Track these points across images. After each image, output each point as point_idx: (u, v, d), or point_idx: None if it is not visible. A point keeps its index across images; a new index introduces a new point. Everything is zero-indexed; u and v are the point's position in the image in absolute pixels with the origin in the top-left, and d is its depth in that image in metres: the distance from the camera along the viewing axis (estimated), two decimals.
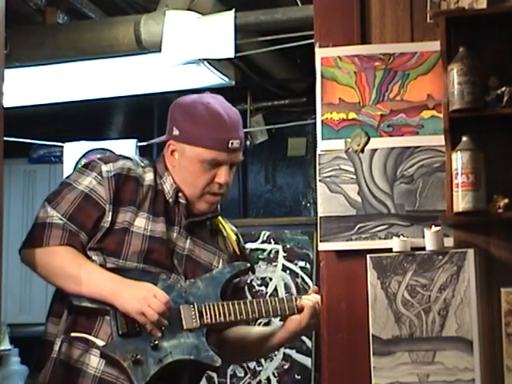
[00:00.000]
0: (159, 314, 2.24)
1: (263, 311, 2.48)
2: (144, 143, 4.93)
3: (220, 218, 2.57)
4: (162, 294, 2.27)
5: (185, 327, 2.28)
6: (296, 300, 2.59)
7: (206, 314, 2.32)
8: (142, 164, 2.48)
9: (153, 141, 2.55)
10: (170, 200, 2.43)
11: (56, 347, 2.28)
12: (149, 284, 2.29)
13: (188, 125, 2.40)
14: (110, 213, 2.38)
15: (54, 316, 2.41)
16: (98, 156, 2.57)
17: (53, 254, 2.39)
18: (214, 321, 2.33)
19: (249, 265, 2.50)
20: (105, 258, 2.35)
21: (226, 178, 2.38)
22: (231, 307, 2.39)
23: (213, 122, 2.38)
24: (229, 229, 2.60)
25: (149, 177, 2.45)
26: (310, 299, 2.60)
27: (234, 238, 2.61)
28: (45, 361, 2.32)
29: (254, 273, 2.69)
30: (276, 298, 2.58)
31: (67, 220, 2.38)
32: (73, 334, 2.29)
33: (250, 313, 2.44)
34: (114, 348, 2.19)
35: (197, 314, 2.31)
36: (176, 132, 2.42)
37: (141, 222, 2.39)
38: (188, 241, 2.45)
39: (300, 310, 2.57)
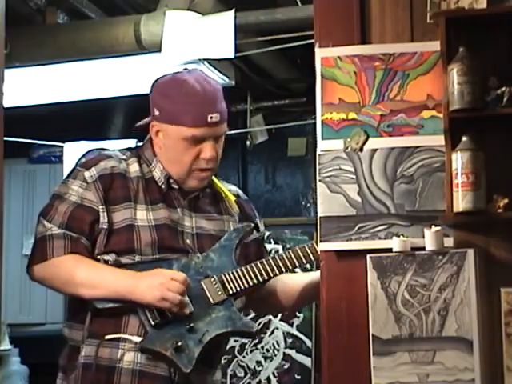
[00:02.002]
0: (180, 294, 2.23)
1: (281, 266, 2.49)
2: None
3: (216, 181, 2.53)
4: (177, 274, 2.27)
5: (212, 302, 2.27)
6: (311, 246, 2.58)
7: (229, 284, 2.33)
8: (124, 157, 2.47)
9: (139, 123, 2.50)
10: (163, 186, 2.42)
11: (83, 352, 2.26)
12: (161, 269, 2.28)
13: (166, 104, 2.39)
14: (105, 213, 2.37)
15: (75, 322, 2.36)
16: (81, 161, 2.56)
17: (59, 264, 2.37)
18: (238, 288, 2.33)
19: (252, 224, 2.49)
20: (117, 255, 2.34)
21: (211, 153, 2.34)
22: (250, 270, 2.39)
23: (189, 98, 2.35)
24: (226, 190, 2.56)
25: (134, 168, 2.43)
26: None
27: (232, 198, 2.57)
28: (73, 367, 2.28)
29: (258, 230, 2.64)
30: (290, 250, 2.57)
31: (65, 229, 2.37)
32: (108, 337, 2.26)
33: (270, 271, 2.44)
34: (153, 341, 2.18)
35: (220, 286, 2.30)
36: (157, 112, 2.41)
37: (142, 215, 2.39)
38: (194, 218, 2.43)
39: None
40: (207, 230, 2.46)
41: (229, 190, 2.59)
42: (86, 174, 2.38)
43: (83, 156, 5.31)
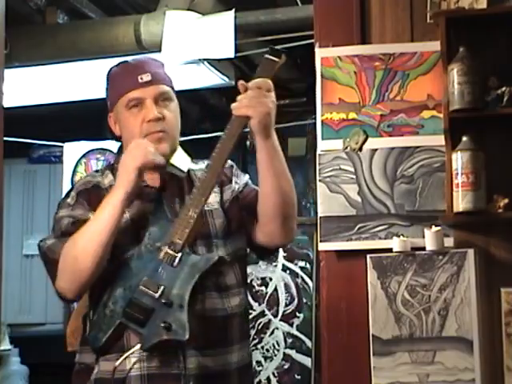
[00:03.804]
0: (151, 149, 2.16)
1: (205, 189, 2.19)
2: None
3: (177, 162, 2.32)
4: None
5: (174, 266, 2.18)
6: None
7: (177, 239, 2.16)
8: (100, 171, 2.46)
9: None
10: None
11: (96, 369, 2.24)
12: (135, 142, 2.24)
13: (109, 90, 2.42)
14: None
15: (86, 345, 2.32)
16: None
17: (64, 254, 2.33)
18: (185, 237, 2.19)
19: (216, 257, 2.19)
20: None
21: (153, 113, 2.22)
22: (185, 212, 2.17)
23: (122, 71, 2.36)
24: (184, 168, 2.34)
25: (108, 179, 2.38)
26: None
27: (198, 174, 2.32)
28: None
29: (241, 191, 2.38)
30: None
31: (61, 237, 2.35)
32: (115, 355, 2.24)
33: (202, 190, 2.17)
34: (148, 337, 2.16)
35: (172, 248, 2.19)
36: (108, 102, 2.42)
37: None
38: (177, 205, 2.34)
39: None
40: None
41: (199, 168, 2.35)
42: (72, 194, 2.38)
43: (83, 156, 5.34)
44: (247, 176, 2.42)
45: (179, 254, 2.16)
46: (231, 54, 4.21)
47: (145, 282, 2.17)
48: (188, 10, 4.44)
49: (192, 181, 2.31)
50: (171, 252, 2.16)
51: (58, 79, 4.91)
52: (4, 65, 3.14)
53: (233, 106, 2.14)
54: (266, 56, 2.15)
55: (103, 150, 5.23)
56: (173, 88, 2.34)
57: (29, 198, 6.01)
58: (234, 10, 4.25)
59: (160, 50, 4.35)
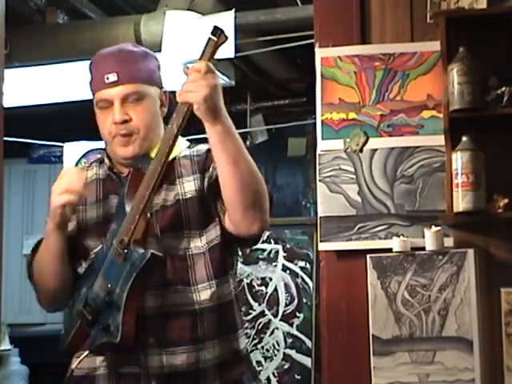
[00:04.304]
0: (66, 187, 2.08)
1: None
2: None
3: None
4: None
5: (119, 262, 2.11)
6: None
7: (124, 235, 2.05)
8: (88, 164, 2.41)
9: None
10: (115, 177, 2.24)
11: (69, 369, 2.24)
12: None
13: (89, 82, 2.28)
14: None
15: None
16: None
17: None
18: (130, 234, 2.04)
19: (148, 255, 2.02)
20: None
21: (118, 116, 2.11)
22: (134, 208, 2.06)
23: (93, 66, 2.22)
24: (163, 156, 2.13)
25: (91, 172, 2.30)
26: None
27: (186, 163, 2.21)
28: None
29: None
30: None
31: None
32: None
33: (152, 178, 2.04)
34: (94, 340, 2.12)
35: (119, 244, 2.05)
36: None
37: (90, 214, 2.24)
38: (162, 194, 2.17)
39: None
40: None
41: (190, 154, 2.24)
42: None
43: (83, 156, 5.34)
44: None
45: (124, 252, 2.06)
46: (231, 54, 4.20)
47: (97, 281, 2.11)
48: (188, 9, 4.45)
49: (174, 169, 2.17)
50: (119, 249, 2.07)
51: (58, 79, 4.91)
52: (4, 65, 3.14)
53: (176, 93, 2.02)
54: (209, 36, 2.01)
55: (103, 150, 5.23)
56: (153, 80, 2.19)
57: (29, 198, 6.01)
58: (234, 10, 4.25)
59: (160, 50, 4.35)
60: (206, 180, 2.16)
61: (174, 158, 2.17)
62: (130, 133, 2.15)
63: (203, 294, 2.11)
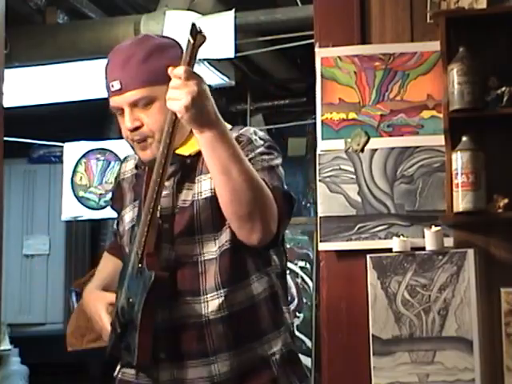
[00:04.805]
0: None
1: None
2: None
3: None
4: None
5: (135, 277, 1.99)
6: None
7: (140, 251, 1.99)
8: (128, 156, 2.28)
9: None
10: (139, 173, 2.17)
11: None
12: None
13: None
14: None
15: None
16: None
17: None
18: (142, 247, 1.98)
19: (152, 277, 1.95)
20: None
21: (128, 123, 2.04)
22: (143, 220, 1.99)
23: (104, 71, 2.12)
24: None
25: (129, 166, 2.24)
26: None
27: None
28: None
29: None
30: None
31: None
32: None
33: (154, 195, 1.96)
34: (123, 355, 2.10)
35: (137, 261, 2.01)
36: None
37: (128, 216, 2.18)
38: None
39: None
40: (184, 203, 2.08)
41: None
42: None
43: (83, 156, 5.34)
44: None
45: (139, 266, 1.99)
46: (231, 54, 4.21)
47: (123, 291, 2.05)
48: (188, 9, 4.44)
49: (197, 166, 2.05)
50: (136, 262, 2.01)
51: (58, 79, 4.91)
52: (4, 65, 3.14)
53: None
54: (187, 37, 1.87)
55: (103, 150, 5.23)
56: (164, 78, 1.97)
57: (29, 198, 6.01)
58: (234, 10, 4.25)
59: None
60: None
61: (199, 153, 2.01)
62: (144, 138, 2.06)
63: (212, 304, 2.00)
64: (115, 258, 2.26)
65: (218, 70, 4.69)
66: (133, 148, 2.12)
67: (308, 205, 6.10)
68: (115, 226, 2.29)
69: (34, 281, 5.88)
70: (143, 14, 4.57)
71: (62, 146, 5.37)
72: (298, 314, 4.98)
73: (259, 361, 2.02)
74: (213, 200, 1.98)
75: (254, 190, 1.88)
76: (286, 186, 2.07)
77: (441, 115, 2.84)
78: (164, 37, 2.23)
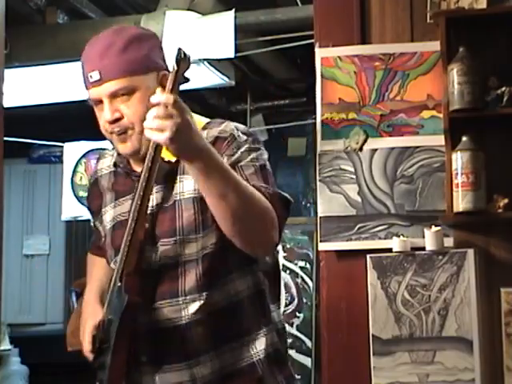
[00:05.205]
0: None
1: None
2: None
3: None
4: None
5: (115, 297, 1.95)
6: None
7: (120, 268, 1.94)
8: (105, 152, 2.23)
9: None
10: (120, 172, 2.10)
11: None
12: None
13: None
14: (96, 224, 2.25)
15: None
16: None
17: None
18: (121, 267, 1.92)
19: (125, 301, 1.91)
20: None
21: (107, 115, 1.97)
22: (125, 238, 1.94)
23: (81, 62, 2.03)
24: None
25: (106, 163, 2.17)
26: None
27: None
28: None
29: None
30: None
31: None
32: None
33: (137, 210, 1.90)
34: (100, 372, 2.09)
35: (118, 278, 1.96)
36: None
37: (109, 215, 2.10)
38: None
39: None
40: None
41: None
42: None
43: (83, 156, 5.34)
44: (241, 149, 1.98)
45: (118, 285, 1.93)
46: (231, 54, 4.20)
47: (106, 304, 2.01)
48: (188, 9, 4.44)
49: (178, 164, 1.97)
50: (117, 280, 1.94)
51: (58, 79, 4.91)
52: (4, 65, 3.14)
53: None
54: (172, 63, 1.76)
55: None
56: (145, 67, 1.97)
57: (29, 198, 6.01)
58: (234, 10, 4.25)
59: None
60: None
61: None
62: (124, 130, 1.99)
63: (192, 306, 1.94)
64: (101, 259, 2.20)
65: (218, 70, 4.69)
66: (111, 142, 2.05)
67: (308, 205, 6.10)
68: (94, 225, 2.20)
69: (34, 281, 5.88)
70: (143, 14, 4.57)
71: (62, 146, 5.37)
72: (297, 313, 4.98)
73: (243, 361, 1.96)
74: (196, 201, 1.93)
75: (253, 208, 1.84)
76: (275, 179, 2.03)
77: (441, 115, 2.84)
78: (141, 28, 2.17)
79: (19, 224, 5.87)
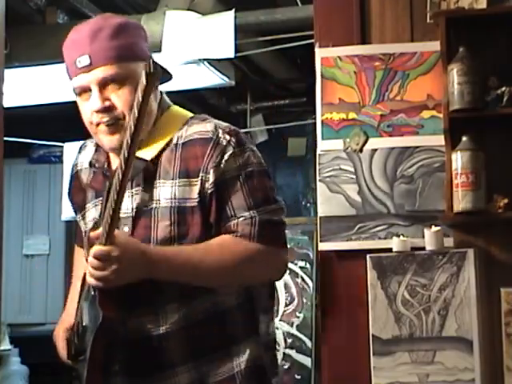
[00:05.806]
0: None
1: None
2: None
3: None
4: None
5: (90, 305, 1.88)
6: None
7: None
8: (88, 141, 2.12)
9: None
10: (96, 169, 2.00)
11: None
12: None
13: None
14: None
15: None
16: None
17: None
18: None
19: (100, 319, 1.81)
20: None
21: (95, 103, 1.86)
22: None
23: (65, 48, 1.93)
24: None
25: (84, 156, 2.06)
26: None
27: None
28: None
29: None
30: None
31: None
32: None
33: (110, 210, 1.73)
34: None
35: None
36: None
37: (91, 214, 2.01)
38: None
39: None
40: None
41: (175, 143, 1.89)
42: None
43: None
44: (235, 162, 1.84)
45: (91, 294, 1.84)
46: (231, 54, 4.20)
47: (83, 306, 1.92)
48: (188, 9, 4.44)
49: (157, 166, 1.86)
50: (91, 287, 1.83)
51: (58, 79, 4.90)
52: (4, 65, 3.14)
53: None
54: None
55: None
56: (135, 55, 1.87)
57: (29, 198, 6.00)
58: (233, 10, 4.25)
59: (160, 50, 4.35)
60: (197, 189, 1.83)
61: (163, 150, 1.87)
62: (114, 120, 1.87)
63: (171, 316, 1.84)
64: None
65: (218, 70, 4.69)
66: (95, 136, 1.94)
67: (308, 205, 6.10)
68: (76, 220, 2.12)
69: (34, 281, 5.87)
70: (143, 14, 4.57)
71: (62, 146, 5.37)
72: (297, 313, 4.98)
73: (222, 373, 1.86)
74: (173, 211, 1.83)
75: (240, 268, 1.80)
76: (267, 164, 1.92)
77: (441, 115, 2.84)
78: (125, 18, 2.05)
79: (19, 224, 5.87)
